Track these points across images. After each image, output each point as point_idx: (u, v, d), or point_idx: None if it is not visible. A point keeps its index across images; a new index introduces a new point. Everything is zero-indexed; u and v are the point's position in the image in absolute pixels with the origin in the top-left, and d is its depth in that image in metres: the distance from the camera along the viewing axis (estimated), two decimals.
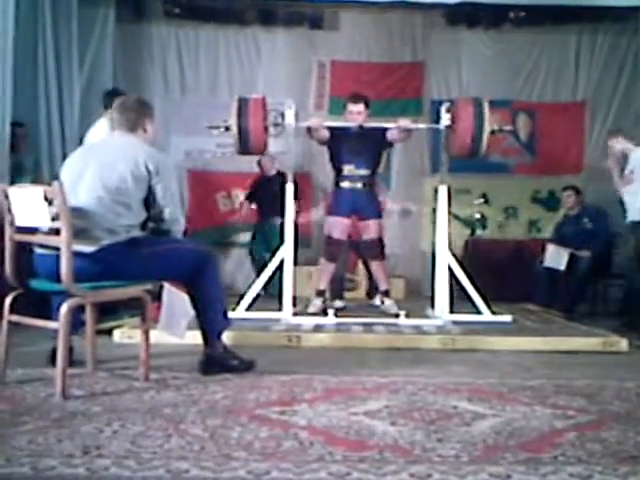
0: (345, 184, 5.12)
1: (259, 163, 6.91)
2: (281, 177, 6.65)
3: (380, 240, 5.17)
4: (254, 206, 7.05)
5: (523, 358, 3.73)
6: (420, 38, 7.84)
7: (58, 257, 2.65)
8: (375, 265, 5.25)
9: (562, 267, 5.91)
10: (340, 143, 5.11)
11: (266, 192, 6.75)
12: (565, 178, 7.65)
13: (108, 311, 4.06)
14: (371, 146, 5.12)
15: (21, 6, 5.59)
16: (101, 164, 2.85)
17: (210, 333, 3.09)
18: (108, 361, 3.23)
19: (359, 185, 5.08)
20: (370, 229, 5.14)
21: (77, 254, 2.69)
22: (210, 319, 3.08)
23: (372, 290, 5.89)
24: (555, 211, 7.83)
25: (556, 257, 6.03)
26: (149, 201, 2.93)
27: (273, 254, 6.58)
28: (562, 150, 7.85)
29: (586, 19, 7.53)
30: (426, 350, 3.92)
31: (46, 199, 2.53)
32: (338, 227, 5.11)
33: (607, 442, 2.06)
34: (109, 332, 4.00)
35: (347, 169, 5.11)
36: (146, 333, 2.82)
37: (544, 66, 7.84)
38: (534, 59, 7.83)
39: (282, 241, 4.88)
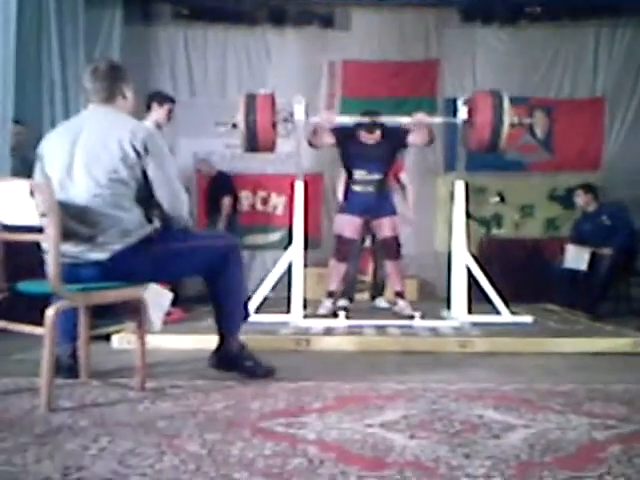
0: (357, 187, 4.88)
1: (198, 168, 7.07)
2: (221, 176, 6.86)
3: (396, 238, 4.90)
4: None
5: (548, 361, 3.49)
6: (434, 36, 7.61)
7: (80, 265, 2.52)
8: (390, 265, 4.96)
9: (583, 267, 5.69)
10: (351, 147, 4.86)
11: (210, 193, 6.83)
12: (583, 175, 7.43)
13: (107, 315, 3.86)
14: (386, 151, 4.85)
15: (24, 7, 5.42)
16: (87, 155, 2.60)
17: (226, 329, 2.90)
18: (104, 369, 3.02)
19: (371, 188, 4.84)
20: (384, 227, 4.89)
21: (89, 263, 2.54)
22: (226, 314, 2.88)
23: (376, 292, 5.65)
24: (573, 209, 7.57)
25: (576, 257, 5.80)
26: (148, 186, 2.69)
27: None
28: (580, 147, 7.60)
29: (604, 13, 7.29)
30: (444, 353, 3.69)
31: (32, 194, 2.31)
32: (349, 226, 4.88)
33: None
34: (107, 337, 3.79)
35: (358, 174, 4.86)
36: (142, 339, 2.60)
37: (561, 62, 7.59)
38: (551, 55, 7.58)
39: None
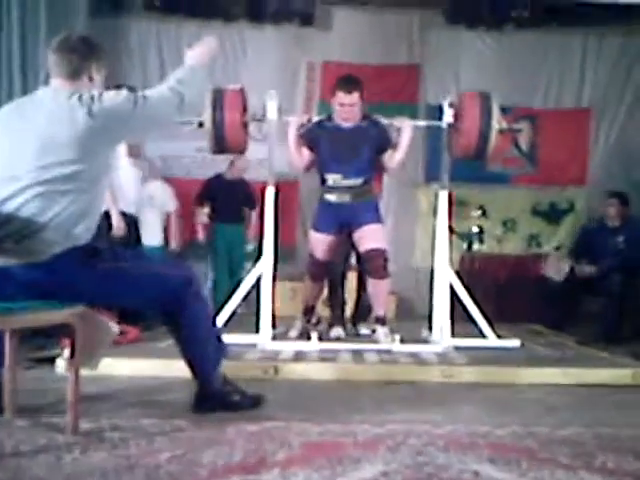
0: (330, 197, 4.24)
1: (232, 162, 6.31)
2: (244, 184, 6.34)
3: (381, 252, 4.15)
4: (206, 210, 6.38)
5: (542, 394, 3.15)
6: (417, 38, 7.33)
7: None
8: (373, 284, 4.25)
9: (558, 278, 5.45)
10: (325, 145, 4.21)
11: (224, 195, 6.21)
12: (568, 190, 7.26)
13: (54, 335, 3.46)
14: (366, 148, 4.18)
15: None
16: (36, 144, 2.22)
17: (201, 372, 2.55)
18: (39, 402, 2.61)
19: (347, 198, 4.20)
20: (366, 238, 4.18)
21: (20, 268, 2.15)
22: (199, 356, 2.54)
23: (359, 317, 5.03)
24: (557, 224, 7.38)
25: (555, 267, 5.53)
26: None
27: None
28: (565, 160, 7.35)
29: (593, 21, 7.04)
30: (427, 384, 3.33)
31: None
32: (321, 246, 4.29)
33: None
34: (52, 361, 3.37)
35: (332, 179, 4.20)
36: (75, 371, 2.18)
37: (547, 70, 7.36)
38: (537, 62, 7.32)
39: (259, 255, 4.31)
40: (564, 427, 2.41)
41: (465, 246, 7.25)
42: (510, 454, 2.05)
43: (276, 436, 2.19)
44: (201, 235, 6.34)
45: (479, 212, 7.34)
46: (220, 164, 6.38)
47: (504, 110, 6.70)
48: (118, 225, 4.64)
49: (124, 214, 4.77)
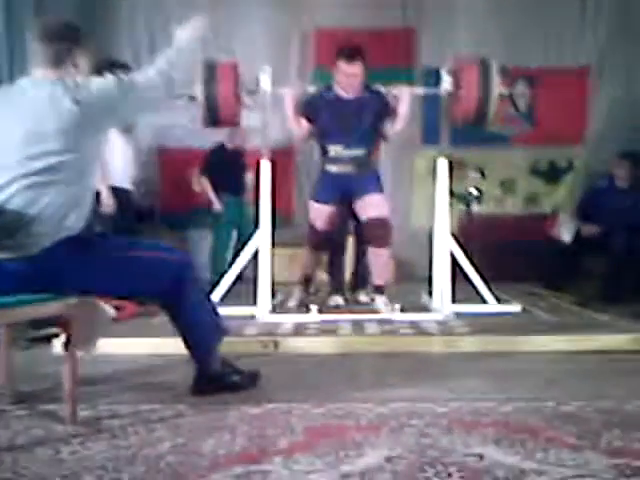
0: (332, 168, 4.19)
1: (232, 135, 6.15)
2: (240, 152, 6.22)
3: (382, 221, 4.13)
4: (205, 181, 6.20)
5: (543, 363, 3.13)
6: (411, 1, 7.14)
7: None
8: (375, 252, 4.22)
9: (567, 239, 5.35)
10: (326, 116, 4.13)
11: (226, 165, 6.08)
12: (566, 149, 7.14)
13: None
14: (368, 119, 4.12)
15: None
16: (21, 135, 2.15)
17: (199, 354, 2.53)
18: (37, 387, 2.58)
19: (349, 168, 4.15)
20: (368, 206, 4.14)
21: (12, 262, 2.12)
22: (197, 340, 2.52)
23: (359, 283, 4.96)
24: (556, 184, 7.31)
25: (563, 228, 5.46)
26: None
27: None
28: (564, 118, 7.20)
29: None
30: (428, 354, 3.31)
31: None
32: (321, 217, 4.26)
33: None
34: (49, 339, 3.34)
35: (334, 150, 4.15)
36: (72, 360, 2.15)
37: (545, 28, 7.16)
38: (534, 20, 7.13)
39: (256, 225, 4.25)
40: (567, 401, 2.38)
41: (464, 207, 7.20)
42: (515, 434, 2.02)
43: (278, 420, 2.16)
44: (217, 204, 6.19)
45: (478, 175, 7.27)
46: (214, 133, 6.27)
47: (502, 70, 6.69)
48: (107, 202, 4.56)
49: (116, 189, 4.68)
